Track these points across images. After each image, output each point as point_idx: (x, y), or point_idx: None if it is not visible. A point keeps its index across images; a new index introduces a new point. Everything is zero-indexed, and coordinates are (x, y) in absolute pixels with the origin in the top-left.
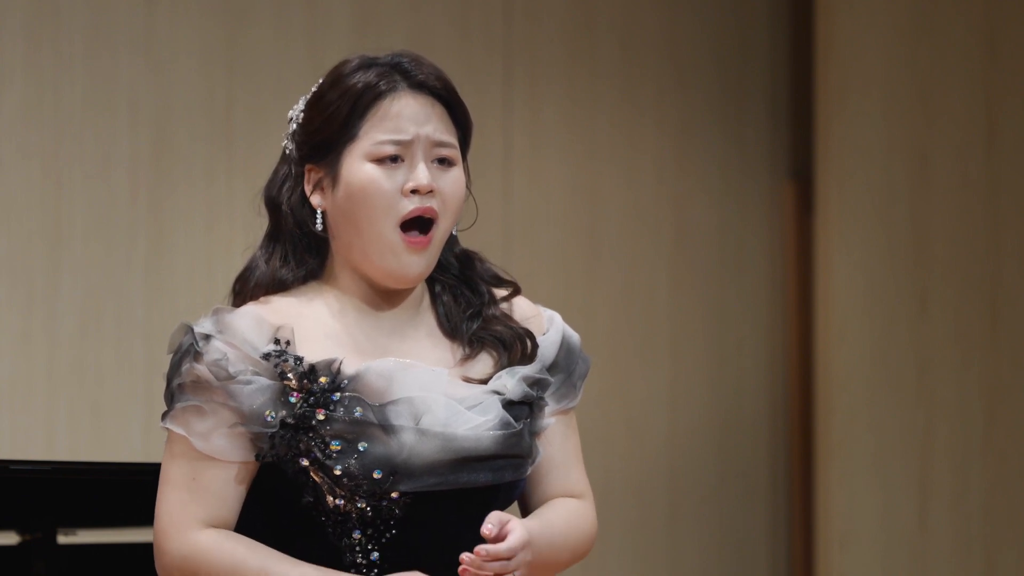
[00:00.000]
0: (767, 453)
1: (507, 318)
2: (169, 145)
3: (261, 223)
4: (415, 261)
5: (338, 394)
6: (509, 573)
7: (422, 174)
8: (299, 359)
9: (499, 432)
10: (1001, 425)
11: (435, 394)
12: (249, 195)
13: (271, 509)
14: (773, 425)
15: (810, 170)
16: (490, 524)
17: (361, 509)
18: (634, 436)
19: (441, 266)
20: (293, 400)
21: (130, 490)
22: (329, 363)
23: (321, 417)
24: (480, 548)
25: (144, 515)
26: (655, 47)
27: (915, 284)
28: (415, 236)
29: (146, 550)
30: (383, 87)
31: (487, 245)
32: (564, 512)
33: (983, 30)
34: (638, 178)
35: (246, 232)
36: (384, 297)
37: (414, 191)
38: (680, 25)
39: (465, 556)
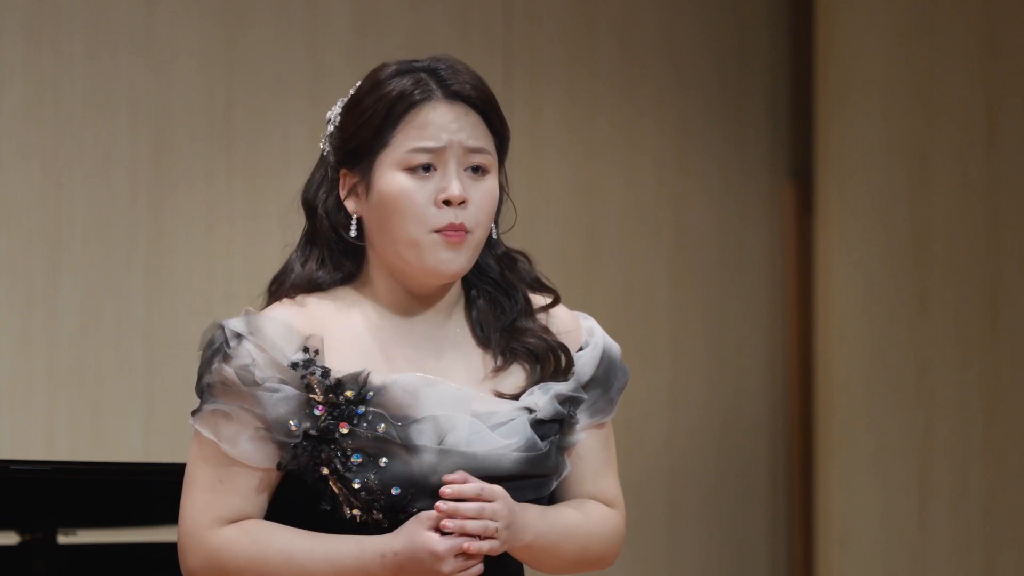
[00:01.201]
0: (767, 453)
1: (543, 330)
2: (169, 145)
3: (264, 222)
4: (453, 256)
5: (363, 407)
6: (485, 522)
7: (454, 185)
8: (326, 371)
9: (523, 454)
10: (1001, 425)
11: (460, 412)
12: (249, 195)
13: (287, 513)
14: (773, 425)
15: (810, 170)
16: (457, 473)
17: (378, 520)
18: (634, 436)
19: (480, 269)
20: (317, 413)
21: (130, 490)
22: (355, 375)
23: (344, 431)
24: (448, 480)
25: (144, 515)
26: (655, 47)
27: (915, 284)
28: (451, 233)
29: (146, 550)
30: (417, 96)
31: None
32: (584, 508)
33: (983, 30)
34: (638, 178)
35: (246, 232)
36: (419, 300)
37: (446, 202)
38: (680, 25)
39: (440, 505)
